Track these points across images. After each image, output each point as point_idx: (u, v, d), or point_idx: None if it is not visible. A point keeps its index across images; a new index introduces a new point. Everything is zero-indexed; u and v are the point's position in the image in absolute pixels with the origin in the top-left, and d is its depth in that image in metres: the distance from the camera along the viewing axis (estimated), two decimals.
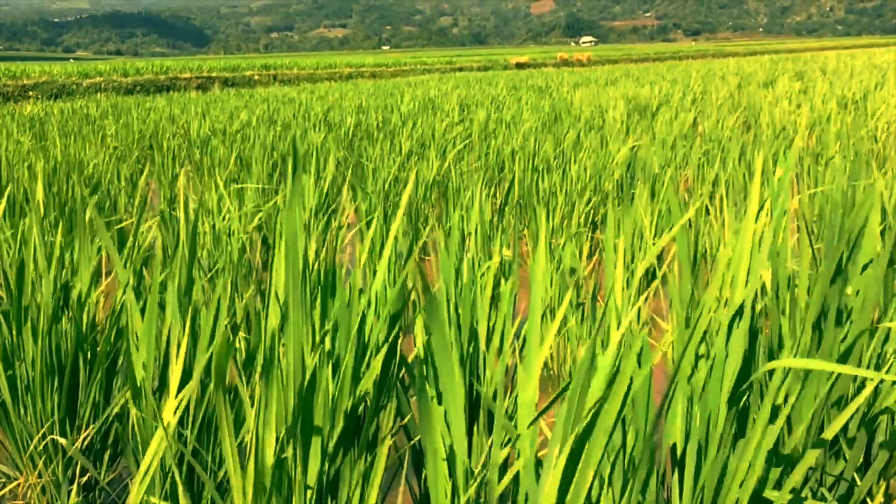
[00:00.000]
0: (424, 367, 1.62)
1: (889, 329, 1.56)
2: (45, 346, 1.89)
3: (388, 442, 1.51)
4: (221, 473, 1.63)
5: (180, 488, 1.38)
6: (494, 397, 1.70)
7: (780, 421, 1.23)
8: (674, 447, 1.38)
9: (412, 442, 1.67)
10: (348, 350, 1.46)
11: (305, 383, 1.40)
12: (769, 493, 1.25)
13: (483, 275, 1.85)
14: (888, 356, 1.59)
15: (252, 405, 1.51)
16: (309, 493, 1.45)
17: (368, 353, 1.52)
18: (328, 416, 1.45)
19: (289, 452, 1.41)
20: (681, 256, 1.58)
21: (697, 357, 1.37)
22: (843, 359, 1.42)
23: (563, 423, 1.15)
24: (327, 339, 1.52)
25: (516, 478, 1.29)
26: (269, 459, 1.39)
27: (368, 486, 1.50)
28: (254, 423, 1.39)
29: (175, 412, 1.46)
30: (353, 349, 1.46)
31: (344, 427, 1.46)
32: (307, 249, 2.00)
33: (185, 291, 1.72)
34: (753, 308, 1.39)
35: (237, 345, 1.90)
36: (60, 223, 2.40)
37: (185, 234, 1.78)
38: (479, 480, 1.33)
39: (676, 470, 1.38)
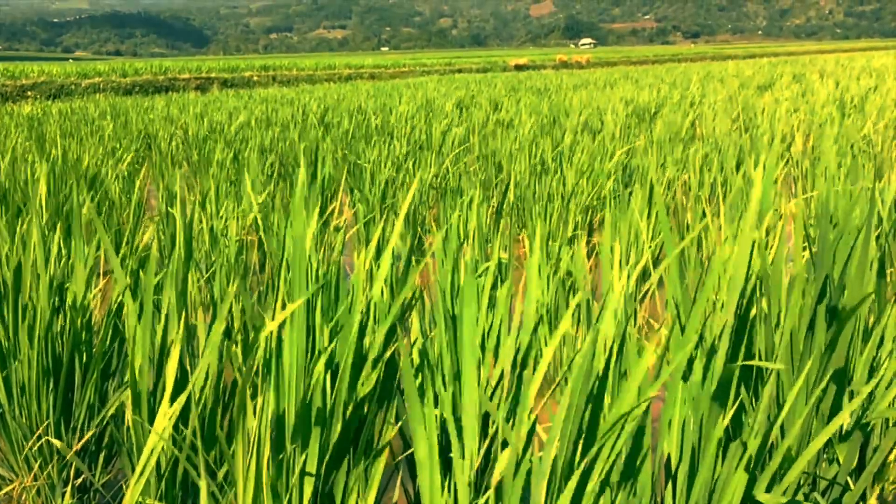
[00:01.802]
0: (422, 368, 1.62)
1: (883, 334, 1.56)
2: (41, 347, 1.89)
3: (385, 449, 1.52)
4: (221, 474, 1.63)
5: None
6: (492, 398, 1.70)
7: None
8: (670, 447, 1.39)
9: (408, 452, 1.67)
10: (348, 355, 1.46)
11: (306, 386, 1.40)
12: (760, 496, 1.26)
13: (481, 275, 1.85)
14: (882, 359, 1.59)
15: (253, 406, 1.51)
16: (307, 494, 1.45)
17: (368, 359, 1.52)
18: (327, 419, 1.45)
19: (288, 451, 1.41)
20: (670, 258, 1.58)
21: (692, 359, 1.37)
22: (830, 348, 1.42)
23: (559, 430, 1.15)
24: (327, 343, 1.52)
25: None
26: (268, 458, 1.39)
27: (367, 489, 1.50)
28: (253, 424, 1.39)
29: (171, 417, 1.46)
30: (352, 354, 1.46)
31: (342, 430, 1.47)
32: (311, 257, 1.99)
33: (181, 293, 1.72)
34: (748, 311, 1.40)
35: (234, 346, 1.90)
36: (58, 224, 2.40)
37: (182, 234, 1.78)
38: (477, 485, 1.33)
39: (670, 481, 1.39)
